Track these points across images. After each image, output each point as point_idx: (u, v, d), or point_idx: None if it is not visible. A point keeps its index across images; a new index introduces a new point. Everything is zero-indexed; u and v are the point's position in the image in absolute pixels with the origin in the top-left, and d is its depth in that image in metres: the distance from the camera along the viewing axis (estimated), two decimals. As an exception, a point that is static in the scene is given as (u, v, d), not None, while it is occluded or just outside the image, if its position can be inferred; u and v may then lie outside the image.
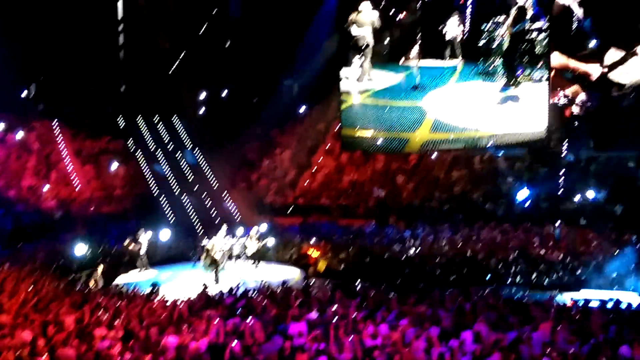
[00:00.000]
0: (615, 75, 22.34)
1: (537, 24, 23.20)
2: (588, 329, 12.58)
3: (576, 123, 23.23)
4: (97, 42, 32.01)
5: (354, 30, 26.12)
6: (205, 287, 17.41)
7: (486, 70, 24.67)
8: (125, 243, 23.17)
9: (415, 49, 25.57)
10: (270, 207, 30.07)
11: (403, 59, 25.89)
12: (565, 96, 23.30)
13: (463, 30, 25.25)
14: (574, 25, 22.57)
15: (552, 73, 23.16)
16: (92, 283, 19.83)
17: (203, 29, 33.99)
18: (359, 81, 26.48)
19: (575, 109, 23.14)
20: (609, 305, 15.21)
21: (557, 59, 23.10)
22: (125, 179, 30.77)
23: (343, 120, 27.30)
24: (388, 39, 26.14)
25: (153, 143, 32.43)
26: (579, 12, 22.45)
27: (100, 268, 20.65)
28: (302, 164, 32.59)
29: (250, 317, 13.30)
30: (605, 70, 22.33)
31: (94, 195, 29.21)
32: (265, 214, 28.59)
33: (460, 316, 13.51)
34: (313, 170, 31.82)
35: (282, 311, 13.82)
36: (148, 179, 30.47)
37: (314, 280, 20.46)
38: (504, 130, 24.29)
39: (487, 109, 24.56)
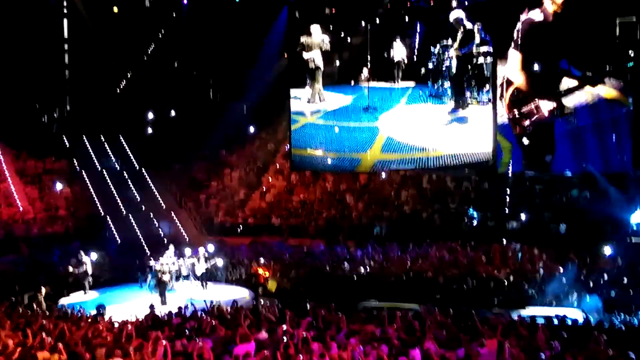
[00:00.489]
0: (566, 101, 23.01)
1: (484, 48, 23.70)
2: (535, 345, 12.77)
3: (523, 143, 23.71)
4: (41, 61, 31.51)
5: (305, 53, 26.29)
6: (153, 308, 17.13)
7: (435, 92, 25.07)
8: (70, 264, 22.66)
9: (366, 71, 25.84)
10: (219, 227, 29.82)
11: (354, 80, 26.13)
12: (521, 113, 23.73)
13: (412, 53, 25.64)
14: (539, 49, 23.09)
15: (512, 91, 23.59)
16: (35, 305, 19.25)
17: (151, 49, 33.75)
18: (310, 102, 26.61)
19: (530, 127, 23.65)
20: (555, 321, 15.49)
21: (520, 78, 23.56)
22: (70, 200, 30.15)
23: (293, 140, 27.36)
24: (339, 60, 26.36)
25: (98, 163, 31.88)
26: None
27: (44, 290, 20.09)
28: (252, 184, 32.48)
29: (198, 337, 13.12)
30: (560, 95, 22.95)
31: (38, 216, 28.53)
32: (215, 234, 28.35)
33: (410, 334, 13.57)
34: (263, 190, 31.72)
35: (231, 331, 13.66)
36: (93, 200, 29.89)
37: (263, 300, 20.29)
38: (452, 151, 24.66)
39: (436, 130, 24.93)
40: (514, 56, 23.36)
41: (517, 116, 23.69)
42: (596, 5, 22.42)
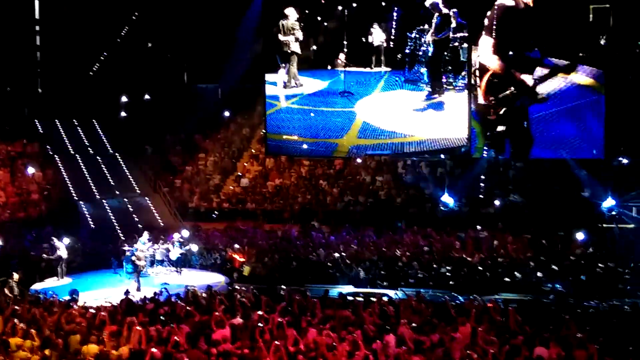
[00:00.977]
0: (539, 88, 23.08)
1: (460, 33, 23.72)
2: (507, 330, 12.94)
3: (497, 129, 23.81)
4: (12, 43, 30.96)
5: (281, 35, 26.12)
6: (127, 294, 17.04)
7: (412, 78, 25.07)
8: (43, 250, 22.45)
9: (342, 56, 25.76)
10: (194, 212, 29.69)
11: (330, 65, 26.03)
12: (497, 99, 23.73)
13: (388, 38, 25.57)
14: (512, 34, 23.05)
15: (488, 77, 23.59)
16: (6, 291, 19.03)
17: (124, 31, 33.32)
18: (286, 87, 26.48)
19: (498, 116, 23.71)
20: (527, 306, 15.70)
21: (495, 63, 23.55)
22: (42, 184, 29.77)
23: (268, 125, 27.24)
24: (315, 44, 26.24)
25: (71, 146, 31.50)
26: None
27: (16, 275, 19.87)
28: (227, 169, 32.34)
29: (173, 323, 13.10)
30: (535, 81, 23.00)
31: (9, 201, 28.15)
32: (189, 219, 28.21)
33: (384, 319, 13.67)
34: (237, 175, 31.62)
35: (206, 317, 13.66)
36: (66, 184, 29.54)
37: (238, 285, 20.27)
38: (427, 136, 24.73)
39: (412, 116, 24.96)
40: (487, 41, 23.35)
41: (492, 102, 23.74)
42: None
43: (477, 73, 23.60)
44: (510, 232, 23.58)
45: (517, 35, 22.90)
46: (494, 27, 23.04)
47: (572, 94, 22.80)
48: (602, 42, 22.32)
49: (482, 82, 23.57)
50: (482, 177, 26.43)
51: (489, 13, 22.87)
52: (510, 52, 23.07)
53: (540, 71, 22.85)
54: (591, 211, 23.19)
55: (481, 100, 23.49)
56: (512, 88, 23.14)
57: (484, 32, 23.31)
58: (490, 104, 23.46)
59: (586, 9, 22.62)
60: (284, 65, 26.29)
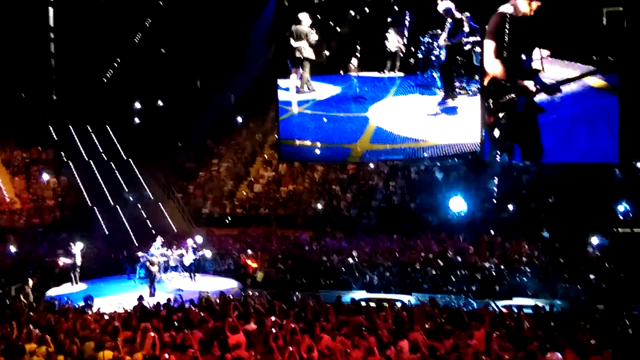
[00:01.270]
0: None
1: (473, 38, 23.68)
2: (522, 335, 12.85)
3: (509, 134, 23.71)
4: (27, 50, 31.22)
5: (293, 41, 26.17)
6: (141, 300, 17.09)
7: (425, 83, 25.03)
8: (58, 256, 22.59)
9: (355, 61, 25.76)
10: (207, 217, 29.75)
11: (342, 70, 26.04)
12: (496, 104, 23.69)
13: (402, 43, 25.56)
14: (513, 40, 23.04)
15: (488, 81, 23.55)
16: (22, 297, 19.15)
17: (138, 37, 33.49)
18: (299, 92, 26.50)
19: (505, 118, 23.63)
20: (542, 312, 15.59)
21: (496, 67, 23.51)
22: (57, 190, 29.97)
23: (281, 130, 27.24)
24: (328, 49, 26.25)
25: (85, 153, 31.68)
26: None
27: (31, 282, 19.98)
28: (240, 175, 32.40)
29: (187, 329, 13.12)
30: (538, 89, 22.93)
31: (24, 207, 28.36)
32: (202, 224, 28.28)
33: (398, 325, 13.62)
34: (251, 181, 31.66)
35: (219, 322, 13.66)
36: (80, 190, 29.70)
37: (251, 291, 20.29)
38: (441, 141, 24.66)
39: (425, 121, 24.90)
40: (489, 45, 23.27)
41: (492, 107, 23.69)
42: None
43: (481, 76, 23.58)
44: (524, 237, 23.43)
45: (516, 42, 22.84)
46: (495, 31, 23.00)
47: (585, 96, 22.68)
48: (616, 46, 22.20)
49: (482, 85, 23.52)
50: (496, 181, 26.30)
51: (492, 17, 22.84)
52: (509, 58, 22.99)
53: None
54: (606, 215, 23.00)
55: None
56: (512, 95, 23.11)
57: (486, 37, 23.27)
58: (490, 109, 23.40)
59: (599, 12, 22.53)
60: (296, 70, 26.33)
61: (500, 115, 23.11)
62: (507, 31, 22.44)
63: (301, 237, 25.90)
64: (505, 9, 22.51)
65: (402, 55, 25.29)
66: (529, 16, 21.91)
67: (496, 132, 23.34)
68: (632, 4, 22.33)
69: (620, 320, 15.11)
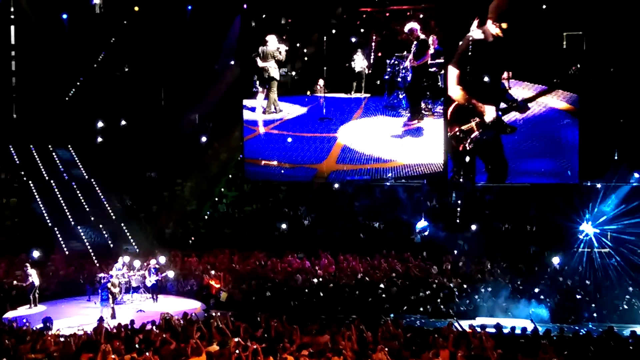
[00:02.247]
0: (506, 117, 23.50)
1: (438, 60, 24.03)
2: (485, 355, 12.90)
3: (470, 156, 24.06)
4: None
5: (260, 62, 26.25)
6: (102, 321, 16.78)
7: (391, 104, 25.28)
8: (15, 277, 22.12)
9: (321, 81, 25.92)
10: (170, 238, 29.41)
11: (309, 90, 26.17)
12: (461, 131, 24.10)
13: (368, 65, 25.80)
14: (478, 66, 23.49)
15: (453, 108, 23.97)
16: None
17: (101, 56, 33.19)
18: (265, 112, 26.56)
19: (471, 144, 23.98)
20: (505, 331, 15.68)
21: (458, 94, 23.93)
22: (16, 210, 29.41)
23: (247, 150, 27.25)
24: (294, 70, 26.38)
25: (46, 173, 31.16)
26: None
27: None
28: (204, 195, 32.14)
29: (149, 351, 12.92)
30: (498, 113, 23.39)
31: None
32: (166, 245, 27.94)
33: (362, 345, 13.58)
34: (215, 201, 31.44)
35: (182, 344, 13.48)
36: (40, 210, 29.17)
37: (215, 312, 20.07)
38: (406, 162, 24.88)
39: (390, 141, 25.14)
40: (452, 72, 23.76)
41: (457, 134, 24.06)
42: (543, 21, 22.96)
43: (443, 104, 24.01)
44: (487, 257, 23.60)
45: (483, 66, 23.30)
46: (459, 58, 23.47)
47: (547, 117, 23.12)
48: (575, 68, 22.74)
49: (447, 113, 23.90)
50: (459, 202, 26.53)
51: (460, 44, 23.27)
52: (473, 83, 23.46)
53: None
54: (566, 235, 23.31)
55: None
56: (476, 119, 23.50)
57: (450, 64, 23.73)
58: (456, 135, 23.76)
59: (560, 36, 23.05)
60: (263, 90, 26.39)
61: (467, 142, 23.51)
62: (472, 56, 22.93)
63: (268, 258, 25.66)
64: (475, 34, 22.97)
65: (365, 76, 25.58)
66: (498, 39, 22.39)
67: (467, 158, 23.71)
68: (591, 28, 22.93)
69: (583, 340, 15.29)
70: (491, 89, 23.72)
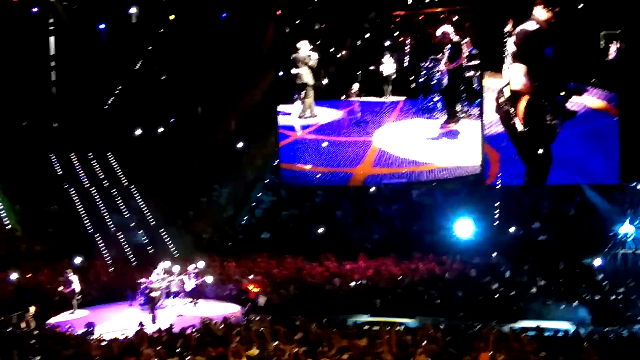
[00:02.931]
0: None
1: (472, 62, 23.86)
2: (526, 358, 12.77)
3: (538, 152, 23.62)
4: (28, 78, 31.39)
5: (294, 68, 26.39)
6: (142, 326, 17.01)
7: (426, 107, 25.20)
8: (58, 283, 22.54)
9: (356, 85, 25.96)
10: (208, 243, 29.67)
11: (344, 95, 26.22)
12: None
13: (400, 68, 25.77)
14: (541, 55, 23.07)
15: (525, 104, 23.56)
16: (23, 325, 19.08)
17: (138, 65, 33.68)
18: (301, 117, 26.67)
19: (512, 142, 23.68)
20: (546, 334, 15.51)
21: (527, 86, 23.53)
22: (58, 217, 29.95)
23: (283, 155, 27.38)
24: (329, 75, 26.45)
25: (87, 180, 31.72)
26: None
27: (32, 309, 19.92)
28: (241, 200, 32.37)
29: (189, 355, 13.06)
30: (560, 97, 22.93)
31: (25, 235, 28.33)
32: (204, 250, 28.19)
33: (401, 349, 13.54)
34: (252, 206, 31.64)
35: (222, 348, 13.59)
36: (81, 217, 29.69)
37: (254, 316, 20.20)
38: (442, 164, 24.76)
39: (427, 144, 25.04)
40: (518, 68, 23.03)
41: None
42: (581, 19, 22.64)
43: (509, 102, 23.40)
44: (526, 259, 23.35)
45: (545, 55, 22.77)
46: (520, 54, 22.83)
47: (585, 117, 22.78)
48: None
49: (518, 110, 23.30)
50: (497, 204, 26.29)
51: (513, 39, 22.78)
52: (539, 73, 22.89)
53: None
54: (607, 237, 22.95)
55: (520, 127, 23.22)
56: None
57: (511, 60, 23.11)
58: (529, 130, 23.23)
59: (596, 35, 22.73)
60: (299, 96, 26.52)
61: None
62: (533, 47, 22.45)
63: (307, 262, 25.72)
64: (528, 26, 22.50)
65: (392, 80, 25.52)
66: (549, 26, 21.91)
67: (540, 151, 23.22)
68: (629, 27, 22.56)
69: (626, 342, 15.05)
70: (555, 76, 23.22)
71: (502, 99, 23.48)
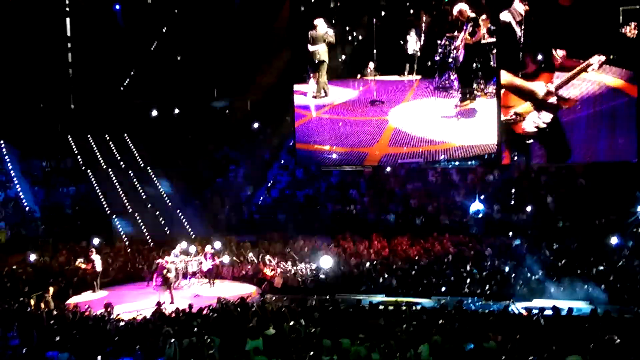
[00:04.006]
0: (564, 91, 22.86)
1: (490, 39, 23.61)
2: (543, 337, 12.76)
3: (527, 137, 23.61)
4: (45, 60, 31.53)
5: (310, 46, 26.24)
6: (160, 306, 17.17)
7: (442, 85, 24.98)
8: (77, 263, 22.76)
9: (372, 64, 25.77)
10: (225, 223, 29.80)
11: (360, 74, 26.05)
12: (516, 114, 23.67)
13: (419, 45, 25.53)
14: (518, 45, 23.05)
15: (503, 90, 23.59)
16: (42, 305, 19.32)
17: (154, 45, 33.72)
18: (316, 96, 26.55)
19: (527, 125, 23.52)
20: (562, 312, 15.46)
21: (504, 77, 23.54)
22: (76, 199, 30.20)
23: (298, 135, 27.29)
24: (344, 54, 26.27)
25: (104, 161, 31.93)
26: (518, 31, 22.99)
27: (52, 289, 20.14)
28: (257, 180, 32.45)
29: (207, 334, 13.17)
30: (552, 88, 22.82)
31: (44, 215, 28.61)
32: (220, 231, 28.34)
33: (417, 327, 13.58)
34: (268, 186, 31.72)
35: (239, 328, 13.70)
36: (99, 198, 29.91)
37: (270, 296, 20.33)
38: (459, 143, 24.60)
39: (443, 123, 24.86)
40: None
41: (513, 117, 23.63)
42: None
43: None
44: (542, 238, 23.27)
45: (519, 45, 22.87)
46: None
47: (603, 96, 22.52)
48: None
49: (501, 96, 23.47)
50: (513, 183, 26.17)
51: None
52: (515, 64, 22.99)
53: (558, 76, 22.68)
54: (624, 215, 22.79)
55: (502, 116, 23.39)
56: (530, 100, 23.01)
57: None
58: (512, 119, 23.32)
59: (616, 10, 22.38)
60: (314, 75, 26.39)
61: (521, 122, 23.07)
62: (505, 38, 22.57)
63: (322, 242, 25.79)
64: (503, 16, 22.66)
65: (417, 58, 25.30)
66: (524, 18, 21.96)
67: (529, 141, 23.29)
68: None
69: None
70: (537, 66, 23.14)
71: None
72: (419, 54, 25.32)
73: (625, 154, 22.93)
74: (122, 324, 14.91)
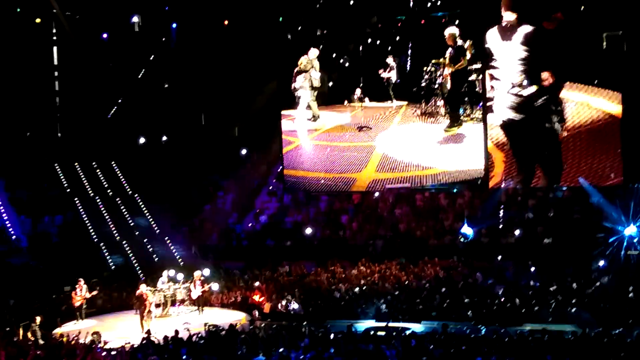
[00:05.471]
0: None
1: (475, 65, 23.88)
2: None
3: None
4: (32, 88, 31.51)
5: (295, 83, 26.45)
6: (149, 334, 17.03)
7: (429, 111, 25.20)
8: (64, 292, 22.56)
9: (359, 91, 26.00)
10: (213, 250, 29.68)
11: (347, 100, 26.26)
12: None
13: (403, 72, 25.80)
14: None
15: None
16: (29, 335, 19.09)
17: (141, 73, 33.79)
18: (305, 122, 26.72)
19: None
20: (552, 336, 15.44)
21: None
22: (63, 227, 29.99)
23: (286, 161, 27.41)
24: (331, 80, 26.51)
25: (91, 189, 31.78)
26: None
27: (38, 319, 19.92)
28: (245, 207, 32.40)
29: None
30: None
31: (30, 245, 28.37)
32: (209, 257, 28.21)
33: (407, 352, 13.55)
34: (256, 212, 31.66)
35: (228, 355, 13.61)
36: (86, 226, 29.72)
37: (260, 323, 20.21)
38: (446, 168, 24.76)
39: (430, 148, 25.05)
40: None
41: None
42: (583, 21, 22.68)
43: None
44: (532, 262, 23.30)
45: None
46: None
47: (587, 117, 22.78)
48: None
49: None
50: (502, 206, 26.26)
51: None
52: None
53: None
54: (612, 239, 22.89)
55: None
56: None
57: None
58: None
59: (599, 37, 22.75)
60: (301, 101, 26.58)
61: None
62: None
63: (310, 268, 25.71)
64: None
65: (393, 84, 25.56)
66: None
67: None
68: (631, 28, 22.58)
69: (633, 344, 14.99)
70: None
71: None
72: (393, 80, 25.60)
73: (611, 177, 23.12)
74: (113, 353, 14.73)
